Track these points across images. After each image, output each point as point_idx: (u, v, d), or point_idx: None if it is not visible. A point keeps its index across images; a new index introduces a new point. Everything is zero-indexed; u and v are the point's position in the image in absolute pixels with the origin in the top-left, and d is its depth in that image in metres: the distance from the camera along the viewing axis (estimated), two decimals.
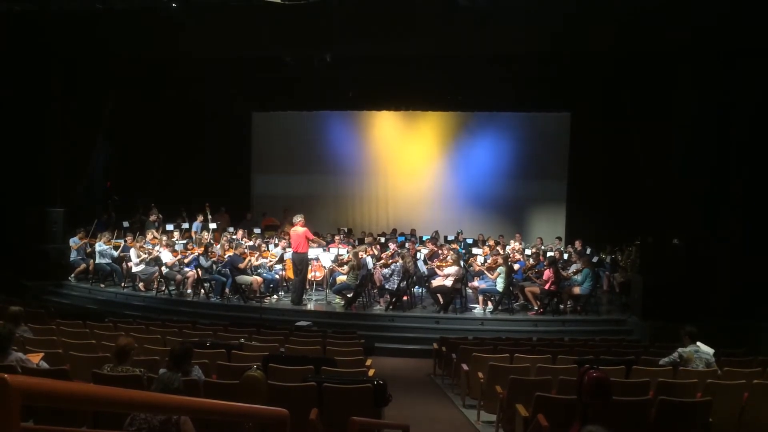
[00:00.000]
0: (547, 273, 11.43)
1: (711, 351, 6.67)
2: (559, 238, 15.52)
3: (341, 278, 11.97)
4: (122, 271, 12.59)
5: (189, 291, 12.14)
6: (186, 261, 12.24)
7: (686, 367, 6.38)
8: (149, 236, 13.02)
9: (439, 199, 17.42)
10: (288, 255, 12.40)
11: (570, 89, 15.08)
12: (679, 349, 6.58)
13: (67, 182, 13.48)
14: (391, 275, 11.54)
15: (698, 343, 6.63)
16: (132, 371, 4.77)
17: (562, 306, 11.67)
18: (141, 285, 12.29)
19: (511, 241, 14.53)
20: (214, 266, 12.02)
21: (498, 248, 13.18)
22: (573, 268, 12.10)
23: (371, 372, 6.57)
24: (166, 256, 11.99)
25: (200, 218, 14.49)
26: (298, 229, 11.40)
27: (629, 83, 12.70)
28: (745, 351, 8.13)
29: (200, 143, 16.28)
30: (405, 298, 11.67)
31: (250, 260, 11.90)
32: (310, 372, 5.68)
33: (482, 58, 13.37)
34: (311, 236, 11.58)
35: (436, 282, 11.66)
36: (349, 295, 11.55)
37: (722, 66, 10.75)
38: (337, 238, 13.98)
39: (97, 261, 12.52)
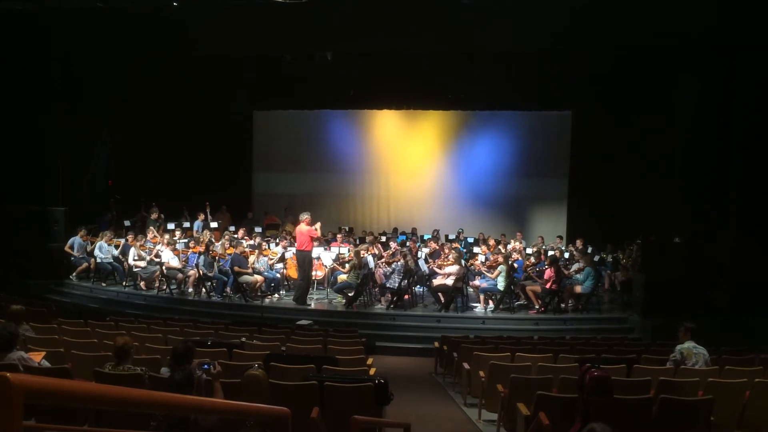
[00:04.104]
0: (549, 272, 11.43)
1: (704, 350, 6.65)
2: (560, 237, 15.51)
3: (342, 277, 11.97)
4: (123, 270, 12.60)
5: (190, 290, 12.15)
6: (185, 261, 12.25)
7: (686, 364, 6.37)
8: (150, 235, 13.03)
9: (440, 197, 17.42)
10: (289, 254, 12.40)
11: (571, 87, 15.08)
12: (678, 347, 6.56)
13: (69, 181, 13.49)
14: (392, 274, 11.54)
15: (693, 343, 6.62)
16: (133, 370, 4.78)
17: (563, 305, 11.67)
18: (142, 284, 12.30)
19: (512, 240, 14.52)
20: (216, 265, 12.02)
21: (500, 247, 13.17)
22: (575, 266, 12.09)
23: (372, 371, 6.58)
24: (168, 255, 11.99)
25: (201, 217, 14.50)
26: (303, 228, 11.37)
27: (630, 81, 12.69)
28: (747, 348, 8.13)
29: (202, 142, 16.29)
30: (406, 297, 11.67)
31: (251, 269, 11.87)
32: (311, 371, 5.68)
33: (483, 56, 13.37)
34: (316, 234, 11.50)
35: (437, 281, 11.66)
36: (350, 294, 11.55)
37: (723, 64, 10.74)
38: (338, 236, 13.98)
39: (99, 260, 12.53)
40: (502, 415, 6.12)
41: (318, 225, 11.54)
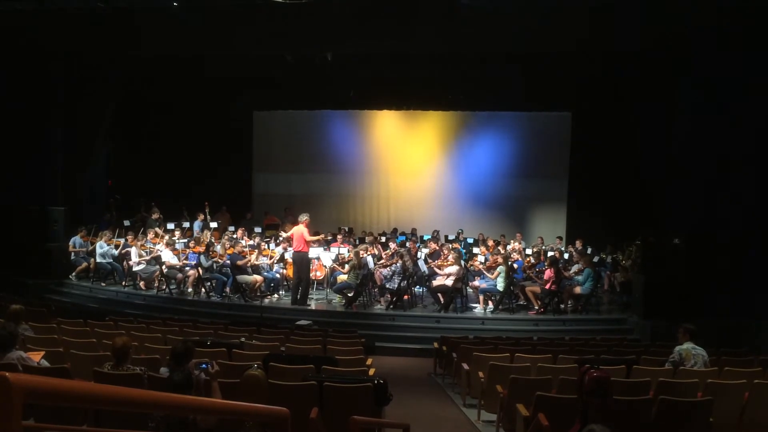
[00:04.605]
0: (548, 273, 11.43)
1: (704, 352, 6.64)
2: (560, 238, 15.51)
3: (342, 277, 11.98)
4: (123, 269, 12.60)
5: (190, 290, 12.15)
6: (185, 261, 12.24)
7: (685, 365, 6.37)
8: (150, 235, 13.03)
9: (439, 198, 17.41)
10: (289, 255, 12.40)
11: (571, 88, 15.08)
12: (677, 348, 6.56)
13: (69, 181, 13.48)
14: (391, 275, 11.54)
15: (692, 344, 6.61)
16: (132, 370, 4.78)
17: (562, 305, 11.67)
18: (142, 284, 12.30)
19: (512, 241, 14.53)
20: (215, 265, 12.02)
21: (499, 248, 13.17)
22: (574, 268, 12.08)
23: (372, 371, 6.58)
24: (167, 255, 11.99)
25: (201, 217, 14.50)
26: (300, 228, 11.37)
27: (630, 82, 12.68)
28: (746, 350, 8.13)
29: (202, 142, 16.28)
30: (406, 297, 11.67)
31: (249, 259, 11.90)
32: (310, 371, 5.68)
33: (483, 57, 13.36)
34: (308, 237, 11.46)
35: (436, 281, 11.66)
36: (349, 294, 11.55)
37: (722, 65, 10.74)
38: (338, 237, 13.98)
39: (98, 260, 12.53)
40: (502, 415, 6.12)
41: (305, 217, 11.50)
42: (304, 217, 11.43)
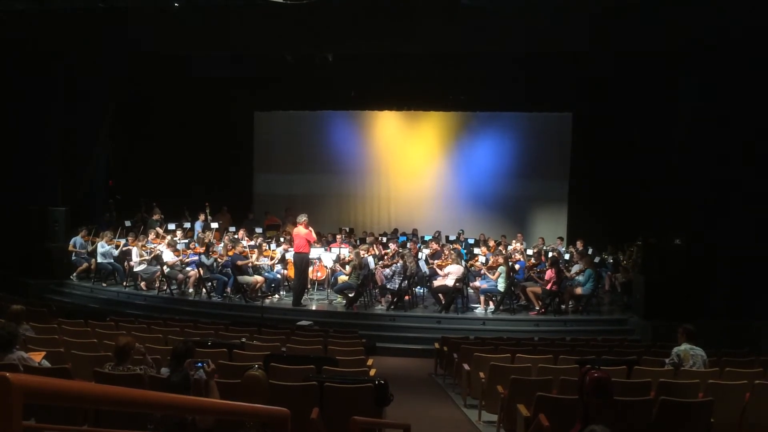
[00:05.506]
0: (549, 273, 11.42)
1: (702, 351, 6.63)
2: (561, 238, 15.50)
3: (343, 278, 11.98)
4: (124, 270, 12.60)
5: (191, 290, 12.15)
6: (187, 260, 12.25)
7: (684, 366, 6.36)
8: (151, 235, 13.03)
9: (440, 198, 17.41)
10: (290, 255, 12.40)
11: (572, 89, 15.07)
12: (675, 349, 6.56)
13: (69, 181, 13.49)
14: (392, 275, 11.54)
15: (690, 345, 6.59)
16: (133, 370, 4.78)
17: (563, 306, 11.66)
18: (143, 284, 12.30)
19: (513, 241, 14.51)
20: (216, 265, 12.02)
21: (500, 248, 13.16)
22: (575, 268, 12.07)
23: (372, 371, 6.58)
24: (168, 255, 11.99)
25: (202, 217, 14.50)
26: (301, 230, 11.36)
27: (631, 83, 12.69)
28: (747, 351, 8.12)
29: (202, 142, 16.28)
30: (406, 297, 11.67)
31: (250, 259, 11.91)
32: (311, 371, 5.68)
33: (484, 57, 13.36)
34: (313, 239, 11.51)
35: (437, 282, 11.66)
36: (350, 295, 11.55)
37: (722, 65, 10.73)
38: (338, 237, 13.97)
39: (99, 260, 12.53)
40: (502, 416, 6.11)
41: (304, 217, 11.52)
42: (302, 218, 11.43)
